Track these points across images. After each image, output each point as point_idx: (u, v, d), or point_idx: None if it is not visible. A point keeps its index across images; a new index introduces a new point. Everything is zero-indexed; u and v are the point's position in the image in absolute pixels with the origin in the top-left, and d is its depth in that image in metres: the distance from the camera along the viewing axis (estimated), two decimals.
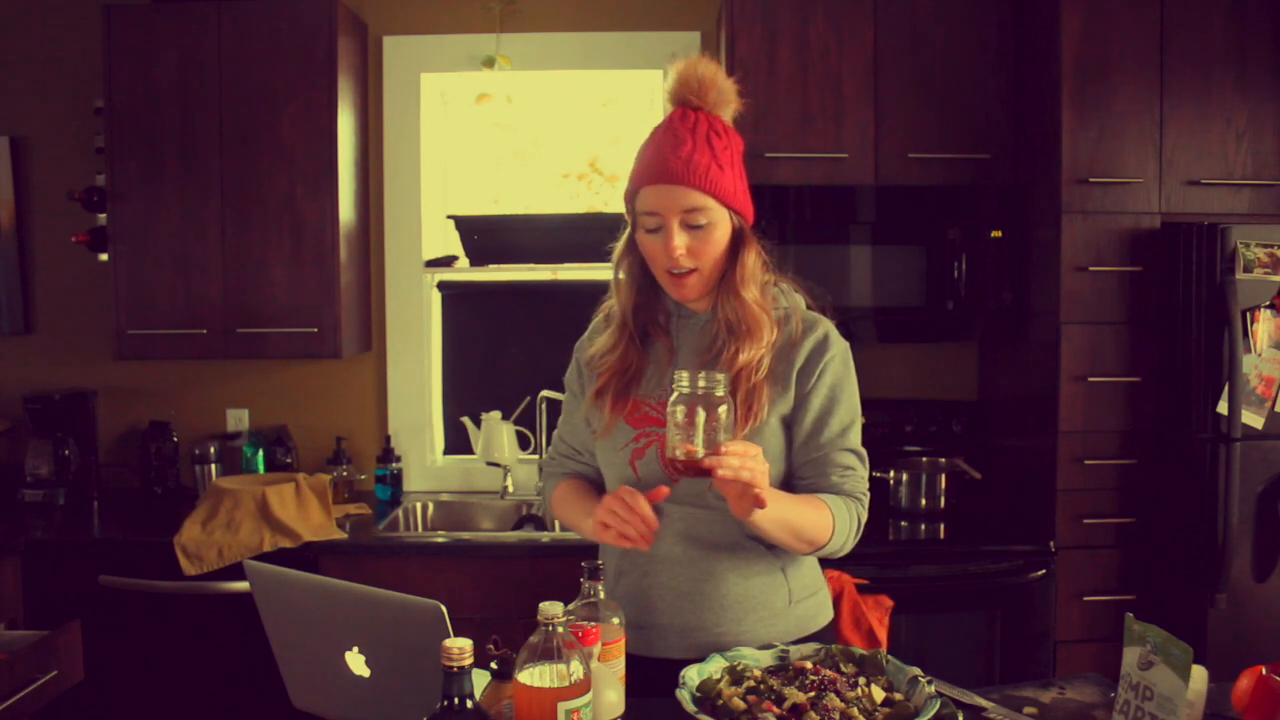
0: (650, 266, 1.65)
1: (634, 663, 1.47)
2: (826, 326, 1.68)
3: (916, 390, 3.24)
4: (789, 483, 1.68)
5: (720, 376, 1.40)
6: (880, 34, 2.85)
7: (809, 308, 1.71)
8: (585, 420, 1.75)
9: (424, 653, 1.24)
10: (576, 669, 1.20)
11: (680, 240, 1.57)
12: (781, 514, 1.52)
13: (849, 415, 1.67)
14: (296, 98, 2.93)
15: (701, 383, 1.38)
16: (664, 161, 1.56)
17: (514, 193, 3.48)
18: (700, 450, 1.37)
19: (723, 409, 1.38)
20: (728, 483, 1.39)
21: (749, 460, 1.38)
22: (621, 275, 1.71)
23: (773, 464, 1.63)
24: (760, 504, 1.41)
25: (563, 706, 1.19)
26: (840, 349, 1.67)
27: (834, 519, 1.60)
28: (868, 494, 1.69)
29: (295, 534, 2.70)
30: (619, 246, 1.71)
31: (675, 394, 1.40)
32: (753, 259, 1.63)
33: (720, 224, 1.59)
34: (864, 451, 1.70)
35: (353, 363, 3.31)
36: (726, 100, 1.64)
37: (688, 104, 1.62)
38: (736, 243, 1.63)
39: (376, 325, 3.32)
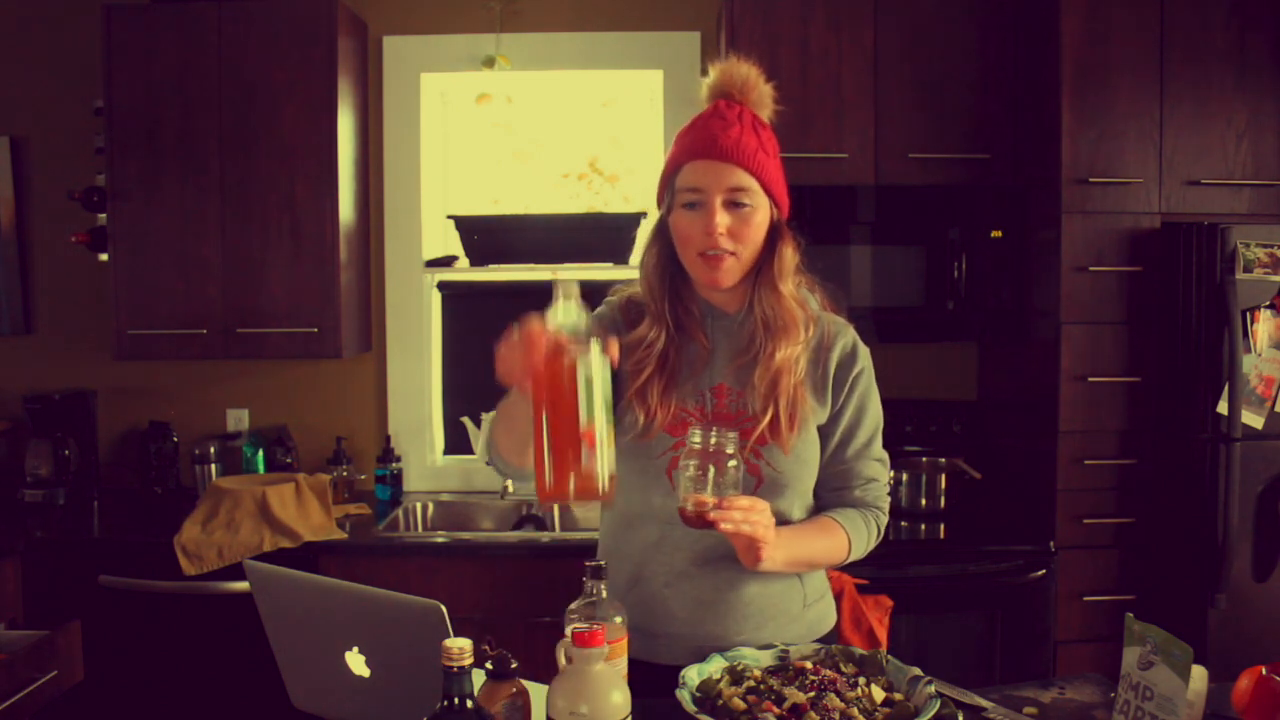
0: (681, 251, 1.60)
1: (640, 667, 1.47)
2: (853, 333, 1.69)
3: (916, 390, 3.24)
4: (814, 491, 1.69)
5: (731, 434, 1.43)
6: (880, 34, 2.84)
7: (826, 309, 1.71)
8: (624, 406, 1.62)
9: (424, 653, 1.23)
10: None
11: (722, 219, 1.55)
12: (793, 554, 1.55)
13: (874, 425, 1.69)
14: (296, 98, 2.93)
15: (713, 438, 1.42)
16: (713, 139, 1.55)
17: (514, 193, 3.48)
18: (710, 502, 1.42)
19: (732, 464, 1.43)
20: (733, 535, 1.44)
21: (752, 515, 1.43)
22: (649, 266, 1.66)
23: (810, 472, 1.65)
24: (760, 559, 1.47)
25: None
26: (867, 358, 1.69)
27: (849, 540, 1.63)
28: (888, 499, 1.72)
29: (295, 534, 2.70)
30: (646, 236, 1.69)
31: (687, 448, 1.44)
32: (790, 253, 1.62)
33: (761, 209, 1.58)
34: (886, 456, 1.72)
35: (353, 363, 3.31)
36: (765, 103, 1.63)
37: (730, 98, 1.61)
38: (774, 235, 1.61)
39: (376, 325, 3.32)
